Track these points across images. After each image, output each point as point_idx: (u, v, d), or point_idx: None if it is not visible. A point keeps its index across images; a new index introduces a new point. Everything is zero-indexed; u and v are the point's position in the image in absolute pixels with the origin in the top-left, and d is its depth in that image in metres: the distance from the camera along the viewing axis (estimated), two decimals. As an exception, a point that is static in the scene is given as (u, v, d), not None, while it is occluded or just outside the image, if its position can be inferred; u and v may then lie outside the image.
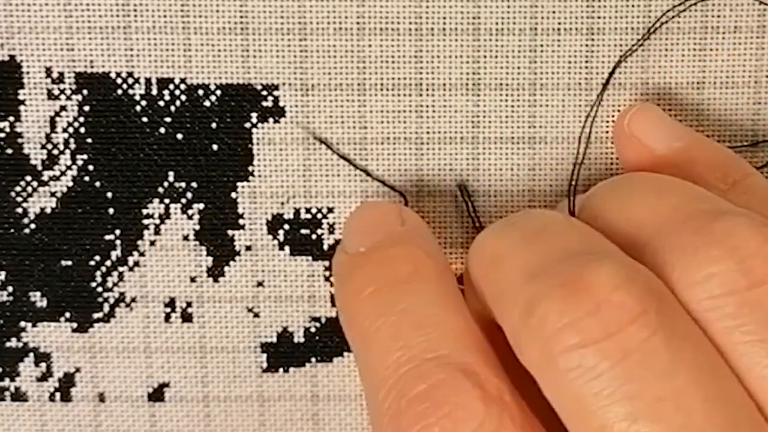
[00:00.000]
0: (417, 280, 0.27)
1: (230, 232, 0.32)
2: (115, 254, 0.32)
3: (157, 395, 0.33)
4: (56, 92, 0.31)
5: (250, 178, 0.32)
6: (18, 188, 0.32)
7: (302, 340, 0.33)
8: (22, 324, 0.33)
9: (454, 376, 0.25)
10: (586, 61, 0.31)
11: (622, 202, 0.27)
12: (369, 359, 0.26)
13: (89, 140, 0.32)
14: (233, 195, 0.32)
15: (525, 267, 0.25)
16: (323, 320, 0.33)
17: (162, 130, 0.32)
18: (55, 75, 0.31)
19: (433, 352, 0.25)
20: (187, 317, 0.33)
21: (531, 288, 0.24)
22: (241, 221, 0.32)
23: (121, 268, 0.33)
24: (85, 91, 0.31)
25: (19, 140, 0.32)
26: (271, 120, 0.32)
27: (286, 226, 0.32)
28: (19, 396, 0.33)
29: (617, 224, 0.27)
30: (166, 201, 0.32)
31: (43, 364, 0.33)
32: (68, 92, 0.31)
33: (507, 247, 0.26)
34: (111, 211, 0.32)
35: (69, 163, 0.32)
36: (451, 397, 0.24)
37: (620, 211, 0.27)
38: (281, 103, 0.32)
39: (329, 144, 0.32)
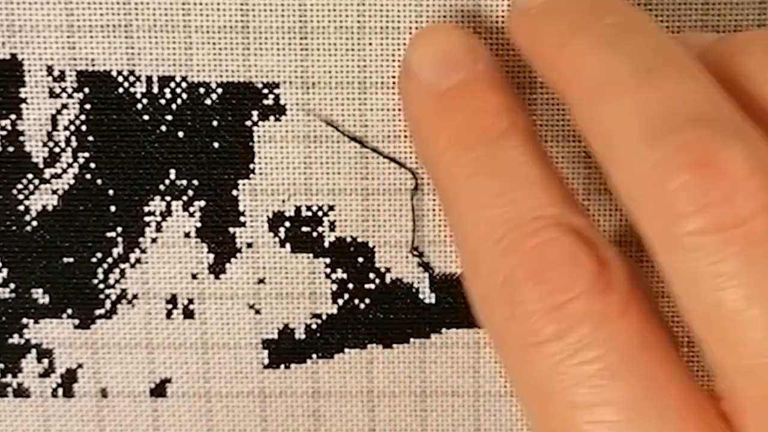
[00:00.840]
0: (515, 134, 0.27)
1: (231, 230, 0.33)
2: (116, 251, 0.33)
3: (159, 391, 0.34)
4: (57, 90, 0.31)
5: (251, 175, 0.32)
6: (20, 186, 0.32)
7: (303, 336, 0.33)
8: (25, 320, 0.33)
9: (567, 236, 0.25)
10: (587, 60, 0.31)
11: None
12: (467, 213, 0.26)
13: (91, 138, 0.32)
14: (234, 192, 0.32)
15: (646, 118, 0.24)
16: (324, 317, 0.33)
17: (163, 128, 0.32)
18: (56, 73, 0.31)
19: (542, 211, 0.25)
20: (188, 314, 0.33)
21: (654, 152, 0.23)
22: (242, 218, 0.32)
23: (122, 265, 0.33)
24: (86, 89, 0.31)
25: (21, 138, 0.32)
26: (272, 118, 0.32)
27: (287, 224, 0.33)
28: (21, 392, 0.33)
29: (761, 89, 0.25)
30: (168, 198, 0.32)
31: (46, 361, 0.33)
32: (69, 90, 0.31)
33: (620, 75, 0.25)
34: (113, 208, 0.32)
35: (70, 160, 0.32)
36: (566, 255, 0.24)
37: None
38: (282, 101, 0.32)
39: (336, 125, 0.32)
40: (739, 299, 0.23)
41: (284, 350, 0.33)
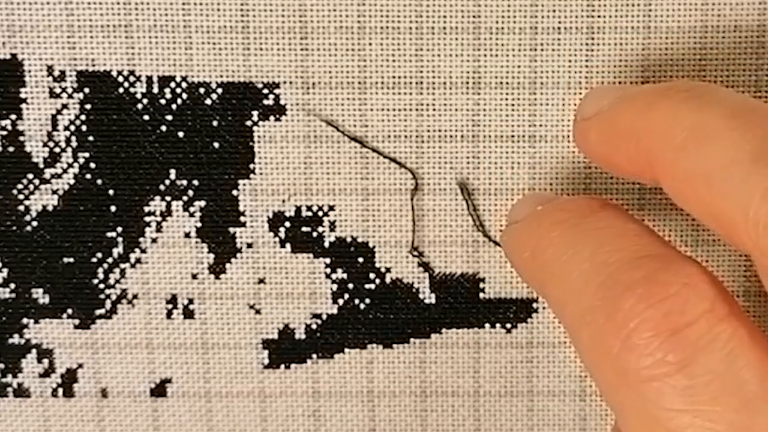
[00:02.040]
0: (608, 208, 0.27)
1: (232, 230, 0.33)
2: (116, 251, 0.33)
3: (159, 391, 0.34)
4: (58, 90, 0.31)
5: (252, 175, 0.32)
6: (20, 186, 0.32)
7: (303, 336, 0.33)
8: (25, 321, 0.33)
9: (677, 263, 0.24)
10: (586, 60, 0.31)
11: None
12: (569, 271, 0.25)
13: (91, 138, 0.32)
14: (234, 192, 0.32)
15: (748, 148, 0.23)
16: (324, 317, 0.33)
17: (163, 128, 0.32)
18: (56, 73, 0.31)
19: (645, 252, 0.25)
20: (188, 314, 0.33)
21: None
22: (242, 219, 0.32)
23: (123, 265, 0.33)
24: (86, 90, 0.31)
25: (21, 138, 0.32)
26: (272, 118, 0.32)
27: (287, 224, 0.33)
28: (21, 392, 0.33)
29: None
30: (168, 198, 0.32)
31: (46, 361, 0.33)
32: (70, 90, 0.31)
33: (713, 123, 0.24)
34: (113, 208, 0.32)
35: (71, 160, 0.32)
36: (678, 278, 0.23)
37: None
38: (282, 101, 0.32)
39: (336, 125, 0.32)
40: None
41: (284, 350, 0.33)
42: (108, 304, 0.33)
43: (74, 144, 0.32)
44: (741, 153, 0.24)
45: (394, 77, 0.31)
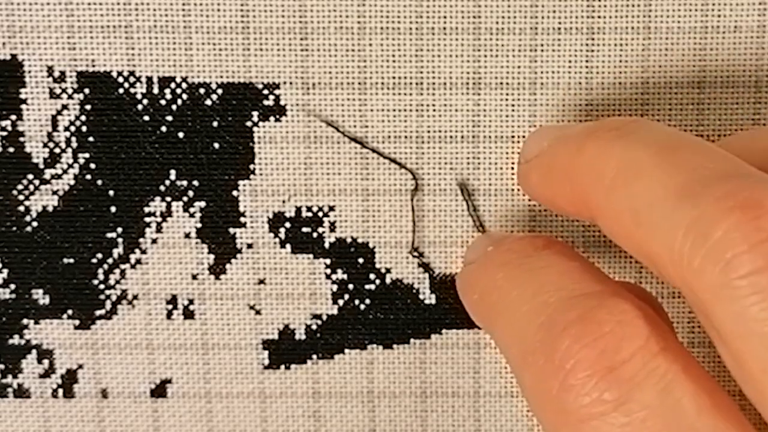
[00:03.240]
0: (552, 246, 0.27)
1: (232, 230, 0.33)
2: (117, 252, 0.33)
3: (159, 391, 0.34)
4: (58, 91, 0.31)
5: (252, 176, 0.32)
6: (20, 186, 0.32)
7: (303, 337, 0.33)
8: (25, 321, 0.33)
9: (611, 301, 0.24)
10: (586, 61, 0.31)
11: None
12: (515, 312, 0.26)
13: (91, 139, 0.32)
14: (234, 193, 0.32)
15: (672, 185, 0.24)
16: (324, 317, 0.33)
17: (163, 128, 0.32)
18: (56, 74, 0.31)
19: (585, 290, 0.25)
20: (189, 314, 0.33)
21: (693, 210, 0.23)
22: (242, 219, 0.32)
23: (123, 266, 0.33)
24: (86, 90, 0.32)
25: (21, 139, 0.32)
26: (272, 118, 0.32)
27: (288, 224, 0.33)
28: (22, 393, 0.33)
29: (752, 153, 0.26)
30: (168, 199, 0.32)
31: (46, 361, 0.33)
32: (70, 91, 0.31)
33: (640, 161, 0.25)
34: (113, 209, 0.32)
35: (71, 161, 0.32)
36: (613, 315, 0.24)
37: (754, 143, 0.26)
38: (282, 102, 0.32)
39: (336, 126, 0.32)
40: None
41: (284, 351, 0.33)
42: (108, 305, 0.33)
43: (74, 144, 0.32)
44: (666, 190, 0.24)
45: (394, 78, 0.31)
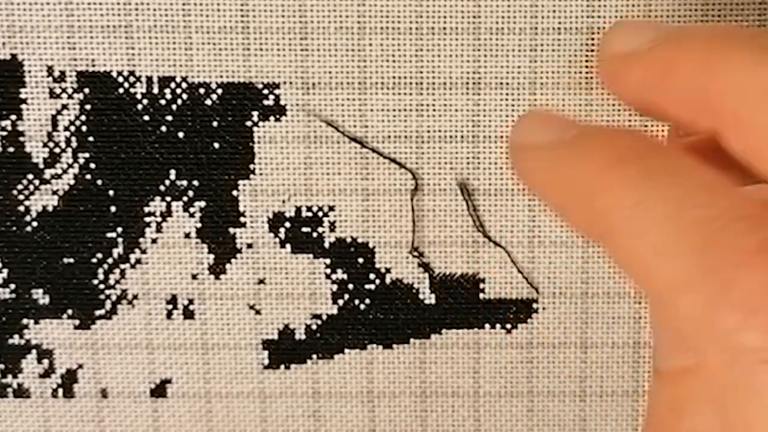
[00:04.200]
0: (669, 148, 0.25)
1: (232, 230, 0.33)
2: (117, 252, 0.33)
3: (159, 391, 0.34)
4: (58, 91, 0.31)
5: (252, 176, 0.32)
6: (20, 186, 0.32)
7: (303, 337, 0.33)
8: (25, 321, 0.33)
9: None
10: (586, 60, 0.31)
11: None
12: (646, 236, 0.22)
13: (91, 139, 0.32)
14: (234, 193, 0.32)
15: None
16: (324, 317, 0.33)
17: (163, 128, 0.32)
18: (56, 74, 0.31)
19: (749, 211, 0.22)
20: (188, 314, 0.33)
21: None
22: (242, 219, 0.32)
23: (123, 266, 0.33)
24: (86, 90, 0.32)
25: (21, 138, 0.32)
26: (272, 118, 0.32)
27: (288, 224, 0.33)
28: (21, 392, 0.33)
29: None
30: (168, 199, 0.32)
31: (46, 361, 0.33)
32: (70, 91, 0.31)
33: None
34: (113, 209, 0.32)
35: (71, 161, 0.32)
36: None
37: None
38: (282, 102, 0.32)
39: (336, 126, 0.32)
40: None
41: (284, 351, 0.33)
42: (108, 305, 0.33)
43: (74, 144, 0.32)
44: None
45: (394, 78, 0.31)
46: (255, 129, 0.32)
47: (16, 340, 0.33)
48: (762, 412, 0.21)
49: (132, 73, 0.31)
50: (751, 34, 0.24)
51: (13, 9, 0.31)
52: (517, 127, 0.26)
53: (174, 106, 0.32)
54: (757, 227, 0.21)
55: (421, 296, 0.33)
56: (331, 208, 0.32)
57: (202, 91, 0.32)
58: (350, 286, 0.33)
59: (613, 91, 0.27)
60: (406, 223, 0.32)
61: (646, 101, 0.25)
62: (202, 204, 0.32)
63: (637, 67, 0.25)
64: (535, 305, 0.33)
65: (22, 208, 0.32)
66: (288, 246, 0.33)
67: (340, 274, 0.33)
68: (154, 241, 0.33)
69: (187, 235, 0.33)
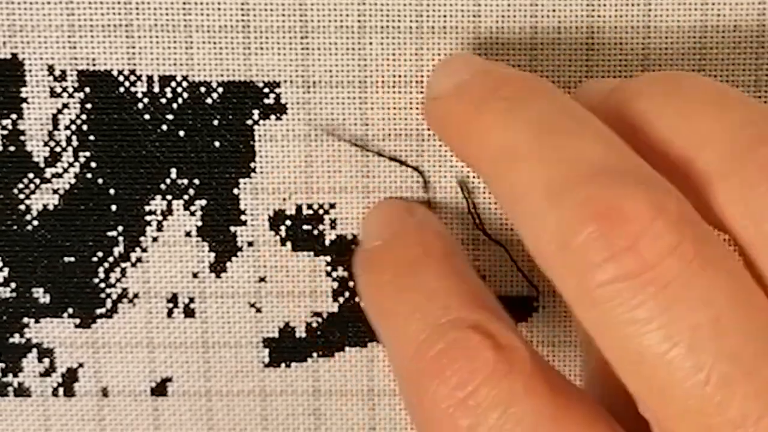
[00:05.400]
0: (427, 259, 0.29)
1: (232, 228, 0.33)
2: (117, 250, 0.33)
3: (160, 390, 0.34)
4: (58, 90, 0.31)
5: (252, 174, 0.32)
6: (21, 185, 0.32)
7: (304, 335, 0.33)
8: (25, 320, 0.33)
9: (466, 333, 0.26)
10: (586, 60, 0.31)
11: (676, 109, 0.26)
12: (393, 336, 0.28)
13: (91, 137, 0.32)
14: (235, 191, 0.32)
15: (545, 179, 0.24)
16: (325, 315, 0.33)
17: (164, 127, 0.32)
18: (57, 73, 0.31)
19: (447, 317, 0.27)
20: (189, 312, 0.33)
21: (557, 211, 0.24)
22: (243, 217, 0.33)
23: (123, 264, 0.33)
24: (87, 89, 0.32)
25: (22, 137, 0.32)
26: (273, 117, 0.32)
27: (288, 222, 0.33)
28: (22, 391, 0.33)
29: (659, 131, 0.26)
30: (169, 197, 0.32)
31: (46, 360, 0.33)
32: (70, 90, 0.31)
33: (518, 144, 0.26)
34: (113, 207, 0.32)
35: (71, 160, 0.32)
36: (464, 351, 0.26)
37: (671, 118, 0.26)
38: (283, 100, 0.32)
39: (337, 134, 0.32)
40: (658, 343, 0.23)
41: (285, 349, 0.33)
42: (109, 303, 0.33)
43: (75, 143, 0.32)
44: (536, 184, 0.25)
45: (394, 76, 0.32)
46: (256, 127, 0.32)
47: (16, 339, 0.33)
48: None
49: (133, 71, 0.31)
50: (502, 93, 0.27)
51: (14, 8, 0.31)
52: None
53: (175, 105, 0.32)
54: (446, 333, 0.26)
55: (421, 294, 0.33)
56: (332, 206, 0.32)
57: (202, 89, 0.32)
58: (351, 283, 0.33)
59: (430, 128, 0.31)
60: (406, 221, 0.32)
61: (448, 145, 0.30)
62: (203, 202, 0.32)
63: (432, 115, 0.30)
64: (534, 303, 0.33)
65: (22, 207, 0.32)
66: (289, 244, 0.33)
67: (341, 272, 0.33)
68: (154, 239, 0.33)
69: (188, 234, 0.33)
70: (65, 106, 0.32)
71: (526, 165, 0.25)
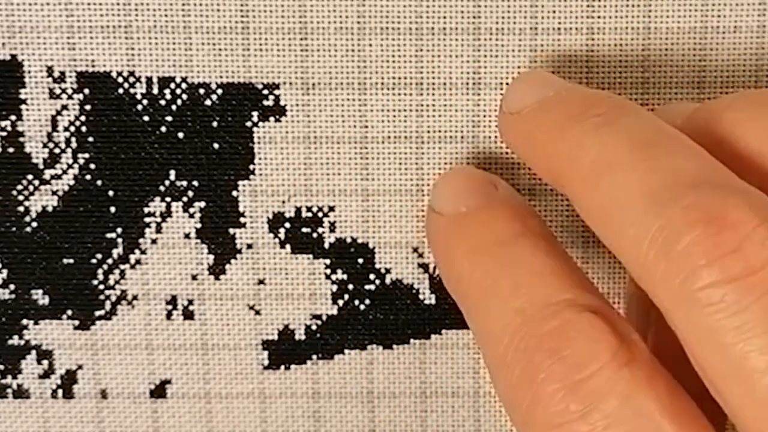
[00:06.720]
0: (527, 235, 0.28)
1: (231, 231, 0.33)
2: (116, 252, 0.33)
3: (159, 392, 0.34)
4: (58, 91, 0.31)
5: (251, 176, 0.32)
6: (20, 187, 0.32)
7: (303, 337, 0.33)
8: (24, 322, 0.33)
9: (583, 315, 0.25)
10: (586, 61, 0.31)
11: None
12: (488, 311, 0.27)
13: (91, 139, 0.32)
14: (234, 193, 0.32)
15: (643, 189, 0.25)
16: (324, 318, 0.33)
17: (163, 129, 0.32)
18: (56, 74, 0.31)
19: (557, 297, 0.26)
20: (188, 315, 0.33)
21: (660, 217, 0.24)
22: (242, 219, 0.32)
23: (122, 266, 0.33)
24: (86, 90, 0.31)
25: (21, 139, 0.32)
26: (272, 119, 0.32)
27: (287, 225, 0.33)
28: (21, 393, 0.33)
29: (751, 146, 0.26)
30: (168, 199, 0.32)
31: (45, 362, 0.33)
32: (70, 91, 0.31)
33: (615, 158, 0.26)
34: (112, 209, 0.32)
35: (70, 161, 0.32)
36: (584, 332, 0.25)
37: (762, 132, 0.26)
38: (282, 102, 0.32)
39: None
40: (760, 348, 0.22)
41: (284, 351, 0.33)
42: (108, 305, 0.33)
43: (74, 145, 0.32)
44: (636, 193, 0.25)
45: (394, 78, 0.31)
46: (255, 129, 0.32)
47: (15, 340, 0.33)
48: None
49: (132, 73, 0.31)
50: (593, 111, 0.27)
51: (13, 9, 0.31)
52: (435, 191, 0.30)
53: (174, 107, 0.32)
54: (558, 313, 0.25)
55: (421, 296, 0.33)
56: (331, 209, 0.32)
57: (201, 91, 0.32)
58: (350, 286, 0.33)
59: (504, 141, 0.31)
60: (405, 223, 0.32)
61: (525, 160, 0.29)
62: (202, 204, 0.32)
63: (512, 130, 0.29)
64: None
65: (21, 209, 0.32)
66: (288, 246, 0.33)
67: (340, 275, 0.33)
68: (153, 241, 0.33)
69: (187, 236, 0.33)
70: (64, 107, 0.32)
71: (625, 174, 0.25)
